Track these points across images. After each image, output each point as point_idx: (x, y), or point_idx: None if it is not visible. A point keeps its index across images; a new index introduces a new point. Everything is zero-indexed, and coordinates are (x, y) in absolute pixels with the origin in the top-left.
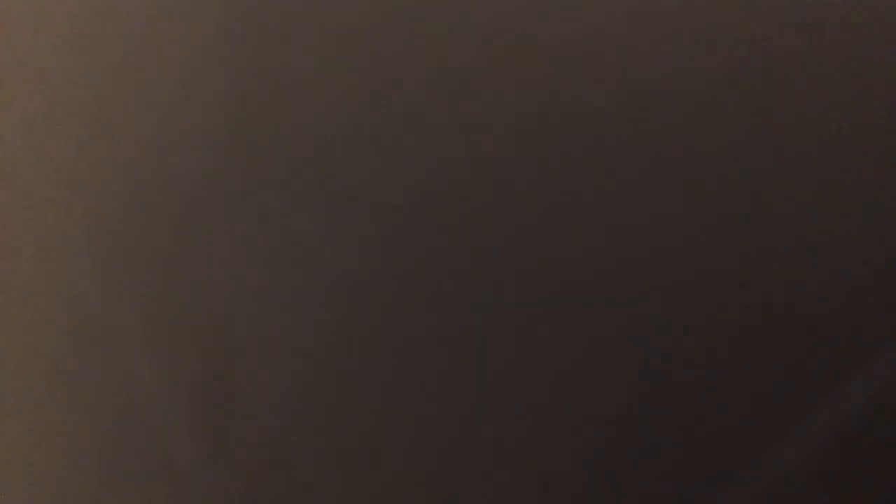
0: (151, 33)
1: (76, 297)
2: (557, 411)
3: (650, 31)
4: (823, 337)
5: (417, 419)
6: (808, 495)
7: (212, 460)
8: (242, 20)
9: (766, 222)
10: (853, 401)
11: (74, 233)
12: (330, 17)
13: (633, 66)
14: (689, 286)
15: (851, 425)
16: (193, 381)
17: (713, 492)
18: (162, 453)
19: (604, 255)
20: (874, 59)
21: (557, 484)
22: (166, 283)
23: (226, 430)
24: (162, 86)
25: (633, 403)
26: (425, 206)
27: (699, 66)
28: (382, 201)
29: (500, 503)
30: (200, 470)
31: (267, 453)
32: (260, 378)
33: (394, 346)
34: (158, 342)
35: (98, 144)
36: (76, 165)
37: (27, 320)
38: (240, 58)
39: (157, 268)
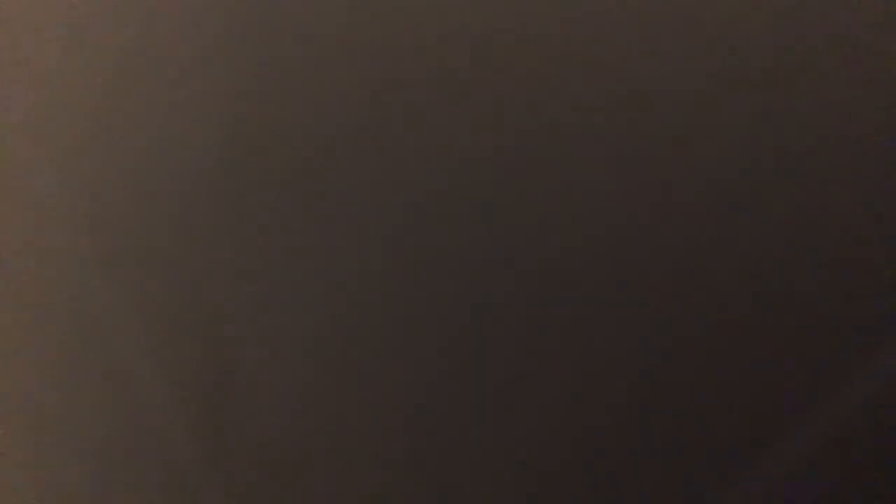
0: (151, 33)
1: (76, 297)
2: (557, 411)
3: (650, 31)
4: (823, 337)
5: (417, 419)
6: (808, 495)
7: (212, 460)
8: (242, 20)
9: (766, 222)
10: (853, 401)
11: (74, 233)
12: (330, 17)
13: (633, 66)
14: (689, 286)
15: (851, 425)
16: (193, 381)
17: (713, 492)
18: (162, 453)
19: (604, 255)
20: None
21: (557, 484)
22: (166, 282)
23: (226, 430)
24: (162, 86)
25: (633, 403)
26: (425, 205)
27: (700, 66)
28: (382, 201)
29: (501, 503)
30: (200, 470)
31: (267, 453)
32: (260, 378)
33: (394, 345)
34: (158, 342)
35: (98, 144)
36: (76, 165)
37: (27, 320)
38: (240, 58)
39: (157, 268)
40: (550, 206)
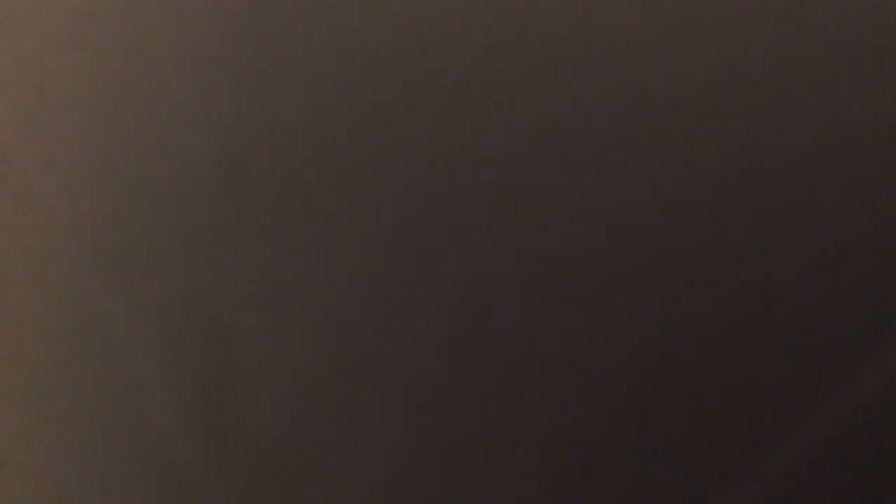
0: (152, 34)
1: (76, 297)
2: (557, 411)
3: (651, 31)
4: (823, 337)
5: (417, 419)
6: (808, 495)
7: (212, 460)
8: (242, 22)
9: (766, 222)
10: (853, 401)
11: (75, 233)
12: (330, 17)
13: (634, 66)
14: (689, 286)
15: (851, 425)
16: (193, 381)
17: (713, 492)
18: (162, 453)
19: (603, 255)
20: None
21: (557, 484)
22: (166, 283)
23: (226, 430)
24: (162, 86)
25: (633, 404)
26: (425, 206)
27: (700, 67)
28: (382, 201)
29: (500, 501)
30: (200, 470)
31: (267, 453)
32: (260, 378)
33: (394, 345)
34: (158, 342)
35: (98, 144)
36: (76, 165)
37: (27, 320)
38: (240, 59)
39: (157, 268)
40: (551, 206)
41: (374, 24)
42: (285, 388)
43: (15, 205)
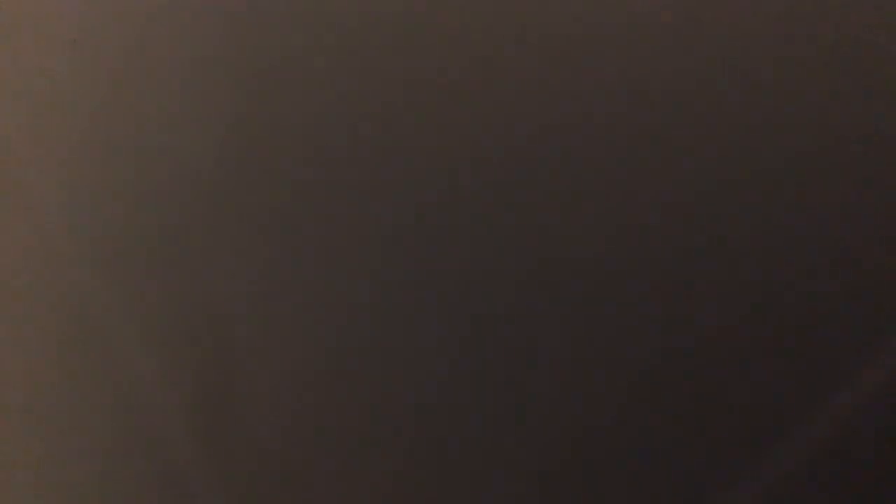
0: (152, 35)
1: (76, 297)
2: (558, 411)
3: (651, 31)
4: (823, 337)
5: (417, 419)
6: (808, 495)
7: (212, 460)
8: (242, 25)
9: (766, 223)
10: (853, 401)
11: (74, 233)
12: (330, 18)
13: (633, 67)
14: (689, 287)
15: (851, 425)
16: (193, 381)
17: (713, 492)
18: (162, 453)
19: (604, 256)
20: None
21: (557, 484)
22: (166, 283)
23: (226, 430)
24: (162, 87)
25: (633, 403)
26: (426, 206)
27: (699, 67)
28: (383, 201)
29: (500, 502)
30: (200, 470)
31: (267, 453)
32: (260, 378)
33: (394, 346)
34: (158, 343)
35: (99, 145)
36: (76, 165)
37: (27, 320)
38: (240, 62)
39: (157, 268)
40: (551, 206)
41: (375, 24)
42: (285, 388)
43: (15, 205)
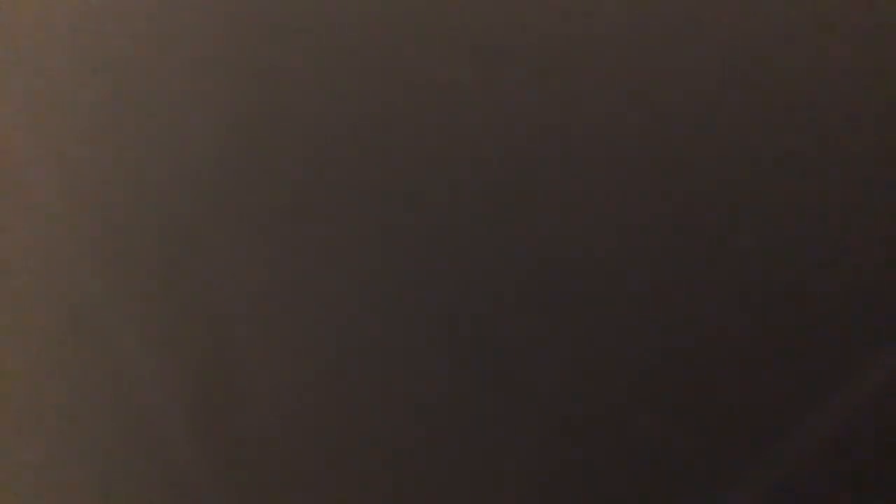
0: (152, 34)
1: (76, 296)
2: (557, 411)
3: (651, 30)
4: (823, 337)
5: (418, 418)
6: (808, 495)
7: (212, 460)
8: (243, 22)
9: (766, 222)
10: (853, 401)
11: (74, 232)
12: (330, 17)
13: (635, 65)
14: (689, 286)
15: (851, 425)
16: (193, 381)
17: (713, 492)
18: (162, 453)
19: (604, 255)
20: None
21: (557, 484)
22: (167, 283)
23: (226, 430)
24: (163, 85)
25: (633, 403)
26: (426, 205)
27: (699, 67)
28: (383, 201)
29: (501, 502)
30: (200, 470)
31: (267, 453)
32: (260, 378)
33: (394, 345)
34: (158, 342)
35: (98, 144)
36: (77, 166)
37: (27, 320)
38: (240, 59)
39: (157, 267)
40: (551, 206)
41: (375, 24)
42: (285, 387)
43: (15, 205)
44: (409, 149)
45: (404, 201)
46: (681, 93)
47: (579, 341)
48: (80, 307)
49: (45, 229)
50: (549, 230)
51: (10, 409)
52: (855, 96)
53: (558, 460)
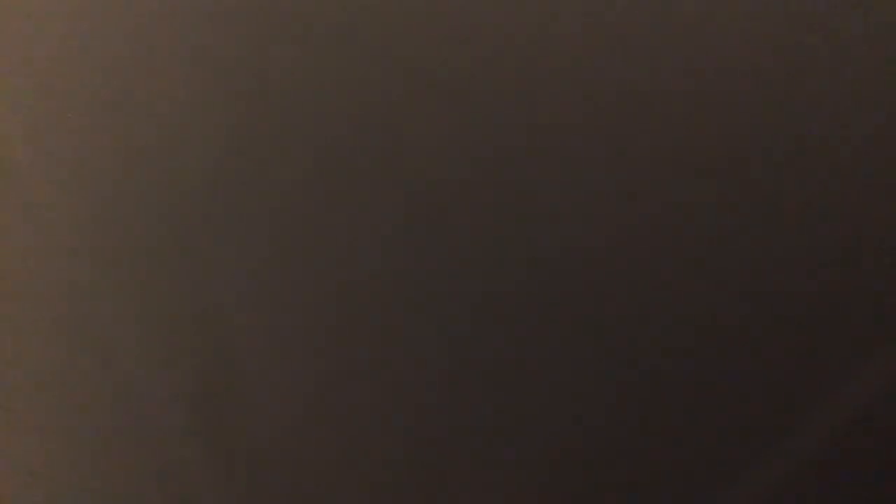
0: (152, 33)
1: (76, 297)
2: (557, 411)
3: (650, 30)
4: (823, 337)
5: (418, 419)
6: (808, 495)
7: (212, 460)
8: (243, 21)
9: (765, 222)
10: (853, 401)
11: (74, 232)
12: (330, 17)
13: (633, 65)
14: (688, 286)
15: (851, 425)
16: (193, 381)
17: (713, 492)
18: (162, 453)
19: (604, 254)
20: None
21: (557, 484)
22: (166, 282)
23: (226, 430)
24: (161, 85)
25: (634, 403)
26: (425, 204)
27: (699, 67)
28: (382, 200)
29: (501, 502)
30: (200, 470)
31: (267, 453)
32: (260, 379)
33: (394, 345)
34: (158, 342)
35: (98, 144)
36: (76, 165)
37: (26, 320)
38: (240, 58)
39: (157, 268)
40: (551, 205)
41: (375, 24)
42: (285, 387)
43: (15, 205)
44: (410, 148)
45: (405, 202)
46: (681, 92)
47: (579, 340)
48: (80, 307)
49: (44, 229)
50: (550, 229)
51: (9, 408)
52: (855, 96)
53: (558, 460)
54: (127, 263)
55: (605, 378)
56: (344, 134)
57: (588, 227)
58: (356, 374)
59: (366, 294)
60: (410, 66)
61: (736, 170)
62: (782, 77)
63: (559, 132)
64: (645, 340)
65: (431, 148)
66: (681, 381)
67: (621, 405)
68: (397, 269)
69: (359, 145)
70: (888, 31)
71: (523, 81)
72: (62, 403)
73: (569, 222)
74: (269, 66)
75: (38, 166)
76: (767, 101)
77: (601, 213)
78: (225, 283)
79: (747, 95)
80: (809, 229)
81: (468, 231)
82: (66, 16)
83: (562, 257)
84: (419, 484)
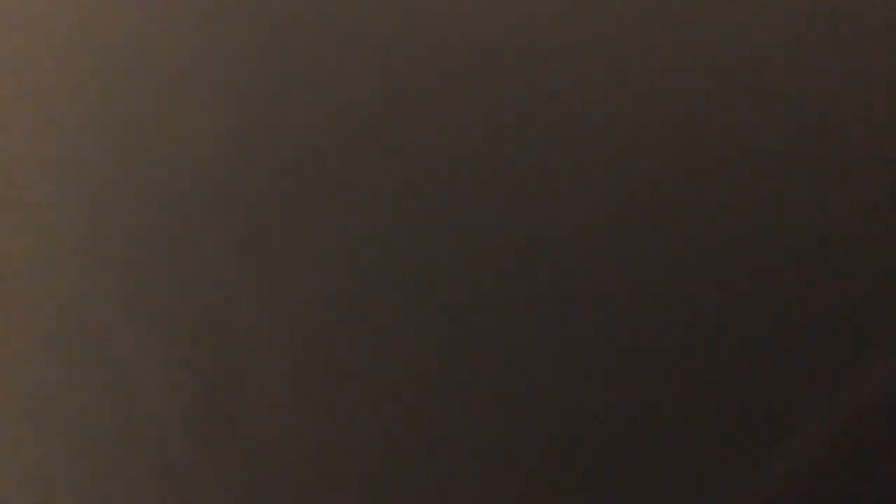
0: (152, 34)
1: (76, 298)
2: (557, 411)
3: (649, 30)
4: (823, 337)
5: (417, 419)
6: (808, 495)
7: (211, 460)
8: (243, 24)
9: (765, 222)
10: (853, 401)
11: (74, 233)
12: (330, 17)
13: (632, 65)
14: (688, 286)
15: (852, 425)
16: (193, 381)
17: (713, 492)
18: (162, 453)
19: (603, 254)
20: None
21: (557, 483)
22: (167, 283)
23: (226, 432)
24: (162, 87)
25: (633, 403)
26: (425, 205)
27: (698, 67)
28: (382, 201)
29: (501, 502)
30: (200, 470)
31: (267, 454)
32: (260, 380)
33: (394, 346)
34: (158, 342)
35: (98, 145)
36: (76, 165)
37: (27, 321)
38: (240, 61)
39: (156, 268)
40: (551, 205)
41: (375, 24)
42: (285, 388)
43: (15, 205)
44: (409, 149)
45: (405, 203)
46: (681, 90)
47: (579, 340)
48: (81, 308)
49: (45, 229)
50: (550, 229)
51: (9, 409)
52: (855, 96)
53: (558, 460)
54: (127, 264)
55: (605, 378)
56: (344, 135)
57: (588, 227)
58: (356, 374)
59: (366, 294)
60: (410, 66)
61: (736, 169)
62: (782, 77)
63: (559, 132)
64: (644, 340)
65: (432, 148)
66: (681, 381)
67: (621, 405)
68: (397, 270)
69: (359, 146)
70: (888, 30)
71: (523, 81)
72: (62, 404)
73: (568, 222)
74: (270, 66)
75: (38, 166)
76: (768, 101)
77: (601, 212)
78: (225, 283)
79: (747, 95)
80: (810, 229)
81: (468, 232)
82: (67, 16)
83: (561, 257)
84: (419, 484)
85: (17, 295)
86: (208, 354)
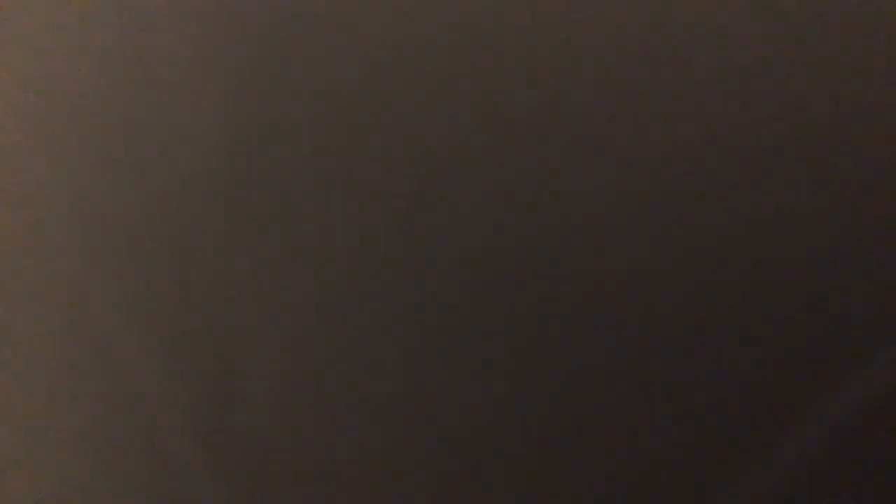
0: (152, 33)
1: (76, 297)
2: (557, 411)
3: (648, 30)
4: (823, 337)
5: (417, 419)
6: (808, 495)
7: (211, 460)
8: (242, 21)
9: (766, 222)
10: (853, 401)
11: (74, 233)
12: (330, 17)
13: (632, 65)
14: (689, 286)
15: (852, 425)
16: (193, 381)
17: (714, 491)
18: (161, 454)
19: (603, 254)
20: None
21: (557, 483)
22: (166, 283)
23: (226, 430)
24: (162, 87)
25: (633, 403)
26: (425, 205)
27: (698, 66)
28: (382, 201)
29: (500, 502)
30: (199, 470)
31: (267, 454)
32: (259, 378)
33: (393, 345)
34: (158, 342)
35: (98, 145)
36: (76, 165)
37: (27, 320)
38: (239, 60)
39: (156, 268)
40: (550, 205)
41: (375, 24)
42: (285, 388)
43: (15, 205)
44: (409, 149)
45: (405, 202)
46: (682, 89)
47: (579, 340)
48: (80, 308)
49: (44, 230)
50: (550, 229)
51: (9, 408)
52: (855, 96)
53: (558, 460)
54: (127, 264)
55: (605, 378)
56: (343, 136)
57: (587, 227)
58: (356, 374)
59: (366, 295)
60: (410, 65)
61: (736, 169)
62: (783, 76)
63: (558, 132)
64: (644, 340)
65: (432, 149)
66: (681, 381)
67: (621, 405)
68: (398, 270)
69: (360, 147)
70: (888, 30)
71: (523, 81)
72: (62, 403)
73: (568, 222)
74: (270, 67)
75: (38, 166)
76: (768, 100)
77: (601, 212)
78: (225, 283)
79: (748, 95)
80: (810, 229)
81: (468, 232)
82: (67, 16)
83: (561, 257)
84: (419, 484)
85: (17, 294)
86: (208, 354)
